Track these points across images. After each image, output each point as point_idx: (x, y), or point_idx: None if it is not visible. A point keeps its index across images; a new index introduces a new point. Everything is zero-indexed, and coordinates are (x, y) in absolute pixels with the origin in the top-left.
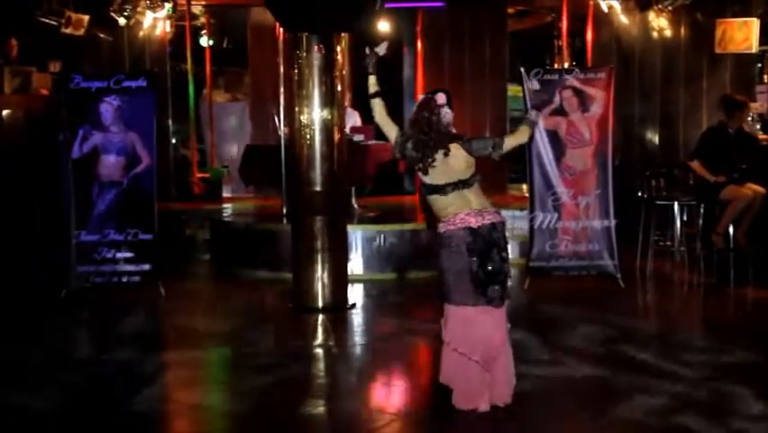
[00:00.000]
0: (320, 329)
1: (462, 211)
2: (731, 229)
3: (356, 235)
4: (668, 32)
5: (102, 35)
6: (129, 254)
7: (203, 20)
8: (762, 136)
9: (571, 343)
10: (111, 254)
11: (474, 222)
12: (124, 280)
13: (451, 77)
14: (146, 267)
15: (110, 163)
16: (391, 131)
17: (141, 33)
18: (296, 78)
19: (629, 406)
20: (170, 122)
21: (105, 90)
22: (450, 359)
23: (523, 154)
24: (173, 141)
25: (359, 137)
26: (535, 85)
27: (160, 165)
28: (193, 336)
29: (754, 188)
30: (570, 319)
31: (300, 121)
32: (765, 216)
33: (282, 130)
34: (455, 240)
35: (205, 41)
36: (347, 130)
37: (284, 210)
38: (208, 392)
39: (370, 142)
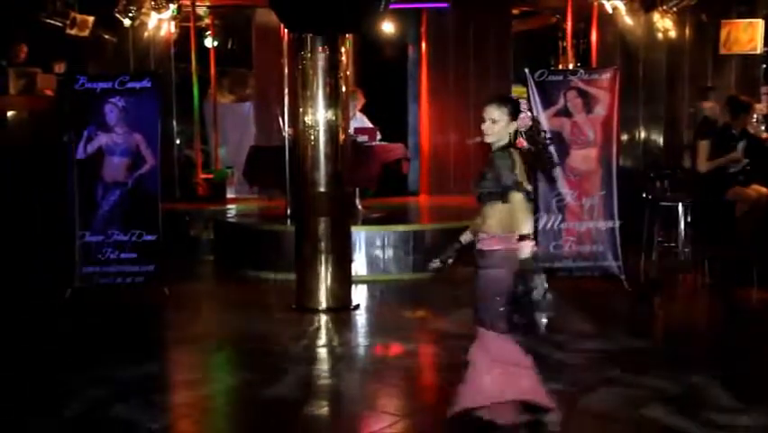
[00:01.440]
0: (324, 330)
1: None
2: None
3: (360, 236)
4: (673, 33)
5: (107, 36)
6: (133, 255)
7: (207, 21)
8: (765, 136)
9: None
10: (115, 255)
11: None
12: (128, 280)
13: (455, 78)
14: (150, 268)
15: (114, 164)
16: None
17: (145, 34)
18: (300, 78)
19: None
20: (175, 123)
21: (109, 91)
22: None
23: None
24: (177, 142)
25: (363, 138)
26: None
27: (164, 166)
28: (196, 337)
29: (758, 189)
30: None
31: (304, 122)
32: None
33: (286, 131)
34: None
35: (209, 42)
36: (351, 131)
37: (288, 211)
38: (211, 393)
39: (374, 143)
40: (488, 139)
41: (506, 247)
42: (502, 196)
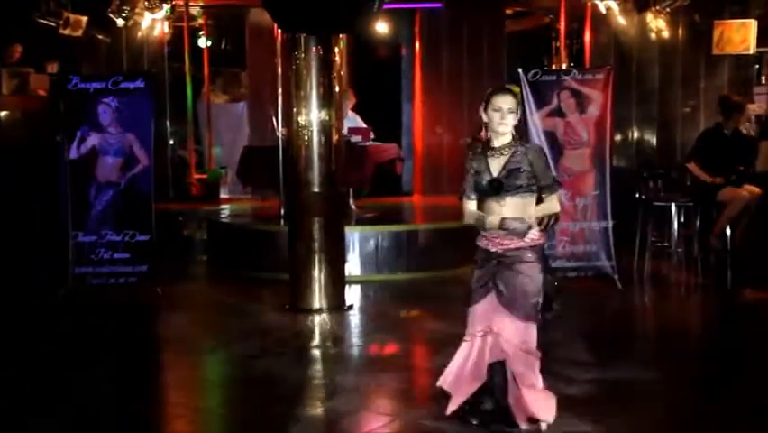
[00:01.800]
0: (317, 330)
1: None
2: (728, 230)
3: (353, 237)
4: (666, 34)
5: (100, 36)
6: (126, 255)
7: (201, 21)
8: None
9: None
10: (108, 255)
11: None
12: (121, 281)
13: (449, 78)
14: (143, 268)
15: (108, 164)
16: None
17: (139, 34)
18: (293, 78)
19: None
20: (168, 123)
21: (103, 91)
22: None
23: None
24: (171, 142)
25: (356, 138)
26: None
27: (157, 166)
28: (190, 337)
29: (750, 189)
30: None
31: (298, 122)
32: (762, 218)
33: (280, 131)
34: None
35: (203, 42)
36: (345, 131)
37: (282, 211)
38: (204, 393)
39: (368, 144)
40: (504, 129)
41: (544, 240)
42: (542, 189)
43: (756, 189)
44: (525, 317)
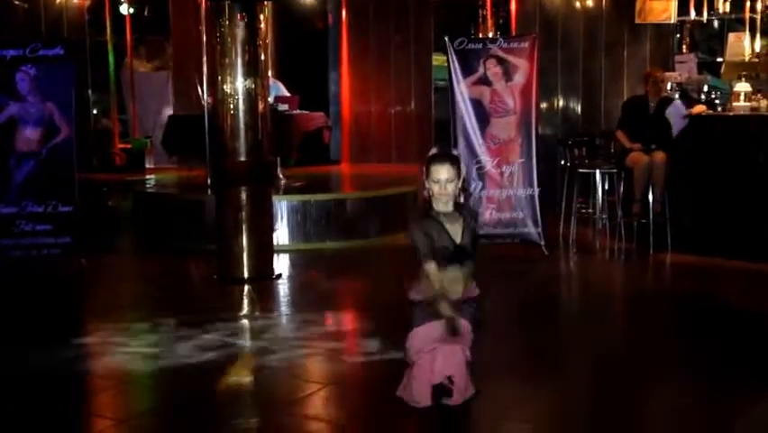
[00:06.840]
0: (245, 300)
1: None
2: (650, 196)
3: (281, 206)
4: (590, 2)
5: (17, 2)
6: (48, 227)
7: None
8: None
9: None
10: (30, 227)
11: None
12: (44, 252)
13: (376, 46)
14: (66, 240)
15: (27, 134)
16: None
17: (57, 1)
18: (218, 47)
19: None
20: (90, 92)
21: (20, 59)
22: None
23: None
24: (94, 111)
25: (283, 107)
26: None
27: (80, 136)
28: (115, 309)
29: (656, 154)
30: None
31: (224, 90)
32: (681, 184)
33: (205, 100)
34: None
35: (125, 9)
36: (271, 99)
37: (208, 181)
38: (130, 365)
39: (294, 112)
40: (446, 199)
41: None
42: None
43: (661, 154)
44: (472, 319)
